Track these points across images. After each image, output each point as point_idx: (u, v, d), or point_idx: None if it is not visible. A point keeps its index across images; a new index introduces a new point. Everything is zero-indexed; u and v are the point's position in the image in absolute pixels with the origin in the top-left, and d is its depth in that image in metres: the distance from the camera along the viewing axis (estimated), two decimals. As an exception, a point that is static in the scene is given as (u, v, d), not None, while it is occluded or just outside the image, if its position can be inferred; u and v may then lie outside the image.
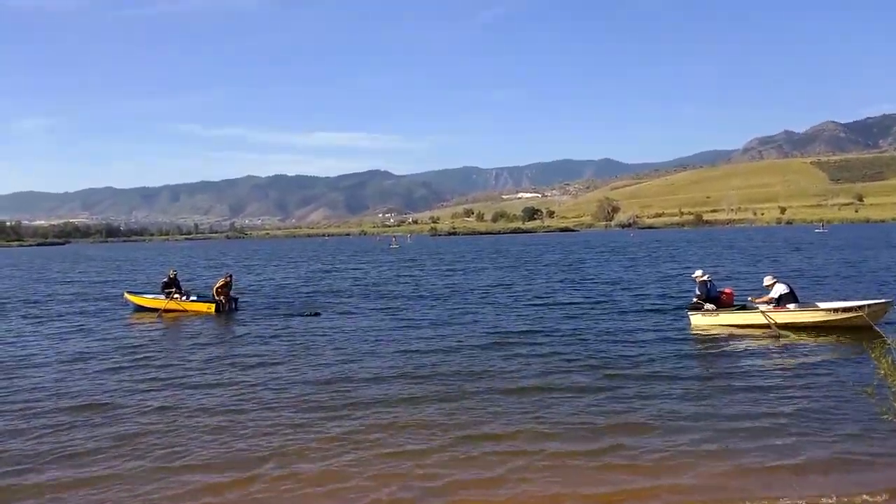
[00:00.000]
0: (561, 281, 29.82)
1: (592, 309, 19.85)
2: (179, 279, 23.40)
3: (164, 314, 21.37)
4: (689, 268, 29.17)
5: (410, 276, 36.13)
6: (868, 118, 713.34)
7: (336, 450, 7.96)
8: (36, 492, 7.04)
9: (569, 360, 12.56)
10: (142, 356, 14.28)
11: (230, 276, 22.92)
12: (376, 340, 15.29)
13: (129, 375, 12.33)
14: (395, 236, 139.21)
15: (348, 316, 19.99)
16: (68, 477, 7.39)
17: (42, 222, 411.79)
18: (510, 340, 14.82)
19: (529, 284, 28.54)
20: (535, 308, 20.39)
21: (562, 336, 15.28)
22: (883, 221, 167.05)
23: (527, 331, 16.09)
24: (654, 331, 15.93)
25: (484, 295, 24.71)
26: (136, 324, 20.07)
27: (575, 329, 16.19)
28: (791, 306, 15.58)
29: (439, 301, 23.15)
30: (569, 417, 9.09)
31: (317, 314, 20.43)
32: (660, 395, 10.09)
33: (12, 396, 10.91)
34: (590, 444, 8.07)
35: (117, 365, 13.35)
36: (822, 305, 15.78)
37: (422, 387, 10.76)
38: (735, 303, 16.73)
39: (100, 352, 14.88)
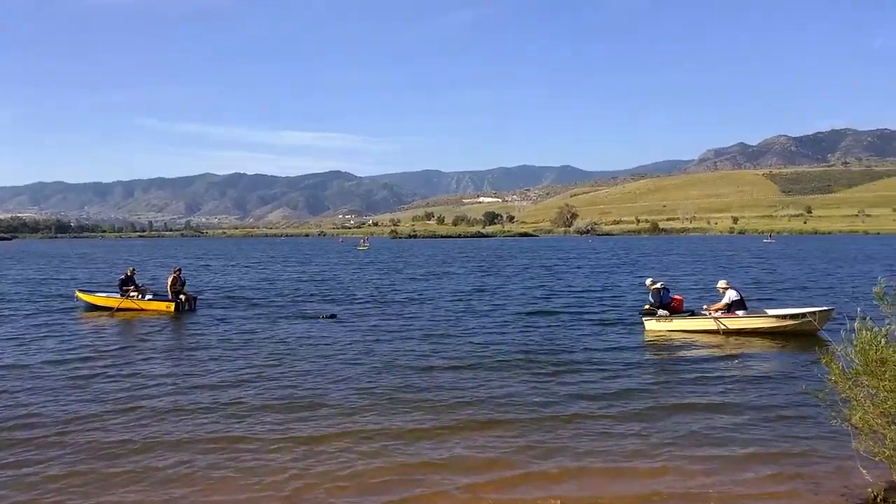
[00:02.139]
0: (532, 287, 29.59)
1: (561, 317, 19.64)
2: (137, 279, 22.85)
3: (118, 313, 20.87)
4: (662, 274, 29.45)
5: (380, 280, 35.20)
6: (818, 133, 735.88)
7: (306, 469, 7.63)
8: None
9: (543, 371, 12.43)
10: (97, 363, 13.24)
11: (179, 269, 22.54)
12: (344, 351, 14.26)
13: (82, 386, 11.27)
14: (363, 237, 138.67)
15: (315, 322, 18.88)
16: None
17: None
18: (488, 354, 13.78)
19: (504, 291, 27.94)
20: (513, 316, 19.65)
21: (534, 345, 15.04)
22: (830, 233, 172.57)
23: (502, 343, 15.17)
24: (616, 338, 16.13)
25: (459, 302, 23.78)
26: (89, 325, 19.24)
27: (540, 339, 15.84)
28: (740, 313, 16.14)
29: (414, 307, 22.18)
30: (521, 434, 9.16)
31: (333, 316, 19.71)
32: (620, 400, 10.27)
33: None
34: (555, 454, 8.18)
35: (70, 374, 12.23)
36: (771, 312, 16.39)
37: (392, 401, 10.13)
38: (685, 309, 17.23)
39: (50, 360, 13.49)
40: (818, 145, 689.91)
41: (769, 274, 36.30)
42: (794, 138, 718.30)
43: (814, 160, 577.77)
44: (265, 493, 6.91)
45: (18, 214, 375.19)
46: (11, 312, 21.67)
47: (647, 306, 17.18)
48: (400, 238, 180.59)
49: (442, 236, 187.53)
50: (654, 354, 14.24)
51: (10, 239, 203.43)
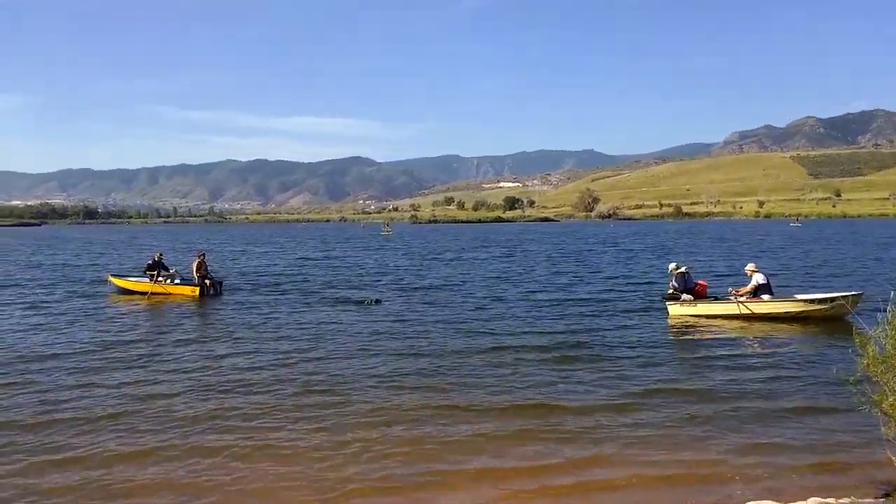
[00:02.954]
0: (558, 273, 29.46)
1: (589, 304, 19.52)
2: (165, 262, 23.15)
3: (150, 297, 21.18)
4: (693, 259, 28.96)
5: (407, 266, 35.29)
6: (847, 114, 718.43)
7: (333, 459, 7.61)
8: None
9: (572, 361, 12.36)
10: (124, 352, 13.08)
11: (203, 254, 22.86)
12: (374, 340, 14.07)
13: (108, 379, 10.96)
14: (385, 223, 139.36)
15: (342, 309, 18.60)
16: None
17: (18, 202, 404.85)
18: (519, 345, 13.41)
19: (530, 277, 27.68)
20: (541, 303, 19.45)
21: (563, 334, 14.88)
22: (859, 217, 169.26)
23: (532, 332, 14.87)
24: (647, 326, 15.87)
25: (486, 288, 23.51)
26: (118, 309, 19.49)
27: (569, 328, 15.53)
28: (765, 297, 15.96)
29: (442, 294, 22.01)
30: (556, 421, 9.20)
31: (378, 301, 19.64)
32: (657, 398, 10.16)
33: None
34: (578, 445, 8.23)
35: (98, 364, 12.05)
36: (798, 297, 16.20)
37: (426, 399, 9.73)
38: (709, 294, 17.08)
39: (78, 350, 13.28)
40: (847, 127, 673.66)
41: (800, 259, 35.77)
42: (823, 120, 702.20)
43: (843, 142, 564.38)
44: (301, 494, 6.70)
45: (47, 201, 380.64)
46: (42, 298, 21.91)
47: (670, 290, 17.08)
48: (420, 223, 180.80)
49: (462, 221, 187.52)
50: (684, 344, 13.99)
51: (39, 224, 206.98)
